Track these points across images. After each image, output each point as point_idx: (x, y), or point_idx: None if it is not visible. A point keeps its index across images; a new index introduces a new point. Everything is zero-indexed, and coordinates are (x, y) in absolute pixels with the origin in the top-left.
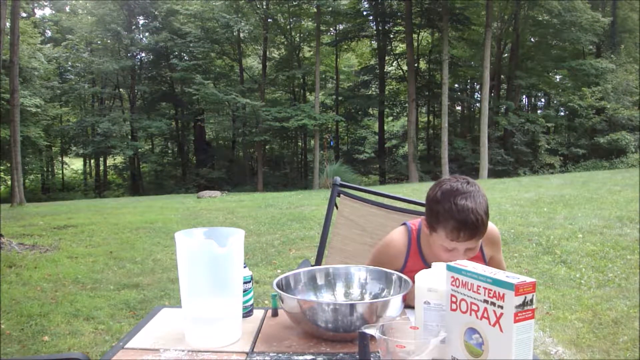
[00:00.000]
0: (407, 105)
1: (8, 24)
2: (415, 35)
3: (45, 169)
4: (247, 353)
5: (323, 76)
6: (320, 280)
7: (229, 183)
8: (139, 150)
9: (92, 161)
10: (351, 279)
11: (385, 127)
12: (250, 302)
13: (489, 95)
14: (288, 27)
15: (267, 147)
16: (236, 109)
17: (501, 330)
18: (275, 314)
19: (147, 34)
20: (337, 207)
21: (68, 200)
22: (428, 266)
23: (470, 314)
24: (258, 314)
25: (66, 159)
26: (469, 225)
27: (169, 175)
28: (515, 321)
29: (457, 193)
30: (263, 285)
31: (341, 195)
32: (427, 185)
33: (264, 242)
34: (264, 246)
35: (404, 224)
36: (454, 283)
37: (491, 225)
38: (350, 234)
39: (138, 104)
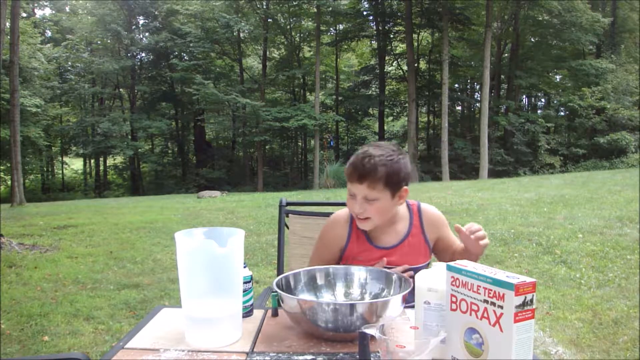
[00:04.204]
0: (407, 105)
1: (8, 24)
2: (415, 35)
3: (45, 169)
4: (247, 353)
5: (323, 76)
6: (320, 280)
7: (229, 183)
8: (139, 150)
9: (92, 161)
10: (351, 279)
11: (385, 127)
12: (250, 302)
13: (489, 95)
14: (288, 27)
15: (267, 147)
16: (236, 109)
17: (501, 330)
18: (275, 314)
19: (147, 34)
20: (288, 227)
21: (68, 200)
22: (372, 244)
23: (470, 314)
24: (258, 314)
25: (66, 159)
26: (358, 166)
27: (169, 175)
28: (515, 321)
29: (373, 144)
30: (263, 285)
31: (289, 215)
32: (428, 185)
33: (264, 242)
34: (264, 246)
35: None
36: (454, 283)
37: (433, 209)
38: (306, 251)
39: (138, 104)
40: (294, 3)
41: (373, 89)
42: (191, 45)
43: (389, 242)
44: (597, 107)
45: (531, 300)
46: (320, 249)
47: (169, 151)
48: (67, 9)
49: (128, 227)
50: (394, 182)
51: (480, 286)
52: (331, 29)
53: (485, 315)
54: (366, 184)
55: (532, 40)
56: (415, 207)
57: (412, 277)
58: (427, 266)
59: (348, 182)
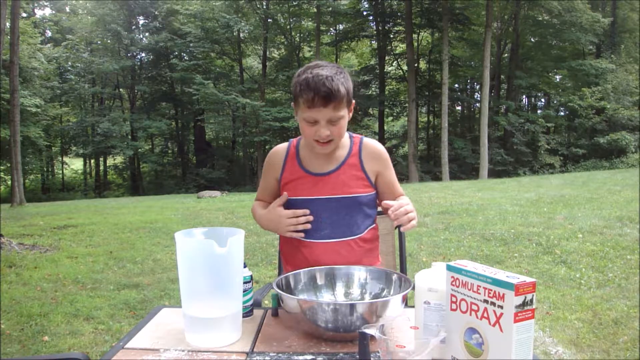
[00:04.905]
0: (407, 105)
1: (8, 24)
2: (415, 35)
3: (45, 169)
4: (247, 353)
5: None
6: (320, 280)
7: (229, 183)
8: (139, 150)
9: (92, 161)
10: (351, 279)
11: (385, 127)
12: (250, 302)
13: (489, 95)
14: (288, 27)
15: (267, 147)
16: (236, 109)
17: (501, 330)
18: (275, 314)
19: (147, 34)
20: None
21: (68, 200)
22: (305, 171)
23: (470, 314)
24: (258, 314)
25: (66, 159)
26: (321, 90)
27: (169, 175)
28: (515, 321)
29: (315, 66)
30: (263, 285)
31: None
32: (428, 185)
33: (264, 242)
34: (264, 246)
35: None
36: (454, 283)
37: (376, 143)
38: None
39: (138, 104)
40: (294, 3)
41: (373, 89)
42: (191, 45)
43: (323, 168)
44: (597, 107)
45: (531, 300)
46: (261, 181)
47: (169, 151)
48: (67, 9)
49: (128, 227)
50: (350, 98)
51: (480, 286)
52: (331, 29)
53: (485, 315)
54: (332, 105)
55: (532, 40)
56: (357, 139)
57: (309, 214)
58: (370, 197)
59: (307, 109)
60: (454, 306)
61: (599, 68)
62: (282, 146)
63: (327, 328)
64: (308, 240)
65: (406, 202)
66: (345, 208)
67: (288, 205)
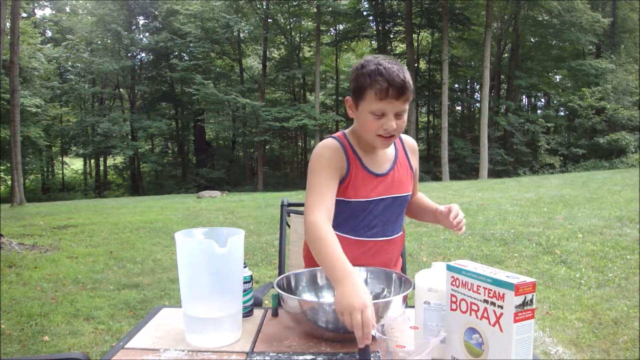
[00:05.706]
0: None
1: (8, 24)
2: (415, 35)
3: (45, 169)
4: (247, 353)
5: (323, 76)
6: (321, 281)
7: (229, 183)
8: (139, 150)
9: (92, 161)
10: None
11: None
12: (250, 302)
13: (489, 95)
14: (288, 27)
15: (267, 147)
16: (236, 109)
17: (501, 330)
18: (275, 314)
19: (147, 34)
20: (289, 226)
21: (68, 200)
22: (368, 171)
23: (470, 314)
24: (258, 314)
25: (66, 159)
26: (396, 81)
27: (169, 175)
28: (515, 321)
29: (380, 58)
30: (263, 285)
31: (291, 214)
32: (428, 185)
33: (264, 242)
34: (264, 246)
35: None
36: (454, 283)
37: (410, 137)
38: None
39: (138, 104)
40: (294, 3)
41: None
42: (191, 45)
43: (382, 168)
44: (597, 107)
45: (531, 300)
46: (321, 179)
47: (169, 151)
48: (67, 9)
49: (128, 227)
50: None
51: (480, 286)
52: (331, 29)
53: (485, 315)
54: (403, 98)
55: (532, 40)
56: None
57: (368, 213)
58: (410, 196)
59: (378, 100)
60: (454, 306)
61: (599, 68)
62: (335, 142)
63: (327, 328)
64: (357, 238)
65: (457, 207)
66: (397, 206)
67: (348, 206)
